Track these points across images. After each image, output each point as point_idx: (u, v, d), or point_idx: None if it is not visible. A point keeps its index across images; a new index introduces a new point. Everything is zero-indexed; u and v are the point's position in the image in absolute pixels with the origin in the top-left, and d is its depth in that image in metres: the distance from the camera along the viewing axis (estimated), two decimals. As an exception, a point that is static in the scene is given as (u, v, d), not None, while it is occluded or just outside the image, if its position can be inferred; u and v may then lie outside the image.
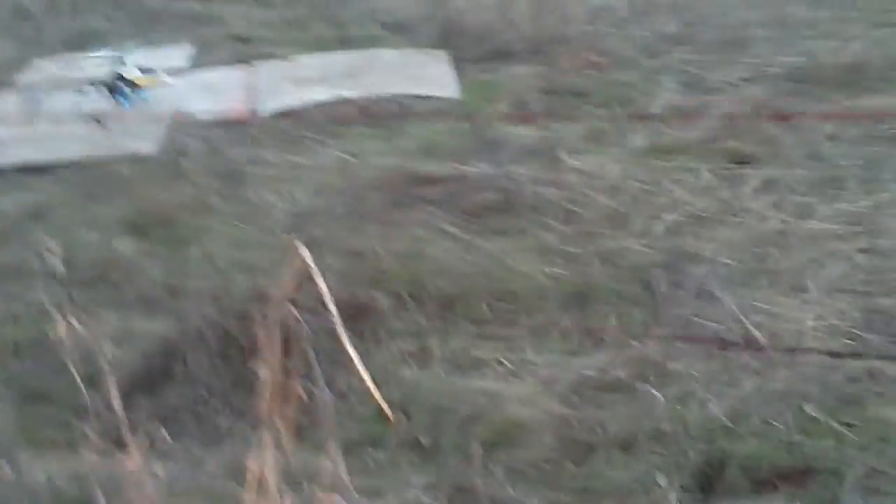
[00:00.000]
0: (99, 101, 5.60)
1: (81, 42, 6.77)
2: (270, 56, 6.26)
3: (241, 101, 5.63)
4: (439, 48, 6.19)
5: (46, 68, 6.36)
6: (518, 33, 6.05)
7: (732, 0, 6.83)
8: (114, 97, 5.63)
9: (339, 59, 6.10)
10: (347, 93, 5.52)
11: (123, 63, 5.68)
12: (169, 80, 5.77)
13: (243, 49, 6.47)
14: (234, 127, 5.29)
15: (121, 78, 5.63)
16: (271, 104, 5.52)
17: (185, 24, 6.94)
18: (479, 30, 6.19)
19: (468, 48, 6.09)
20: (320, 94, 5.56)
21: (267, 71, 6.03)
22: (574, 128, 4.99)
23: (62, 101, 5.66)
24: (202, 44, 6.58)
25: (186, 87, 5.84)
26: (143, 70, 5.70)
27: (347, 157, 4.84)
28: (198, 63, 6.32)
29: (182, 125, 5.29)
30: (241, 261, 3.88)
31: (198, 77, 6.04)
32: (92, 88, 5.66)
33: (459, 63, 5.96)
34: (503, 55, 5.95)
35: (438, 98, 5.49)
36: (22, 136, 5.42)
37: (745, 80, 5.43)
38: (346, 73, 5.85)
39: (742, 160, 4.55)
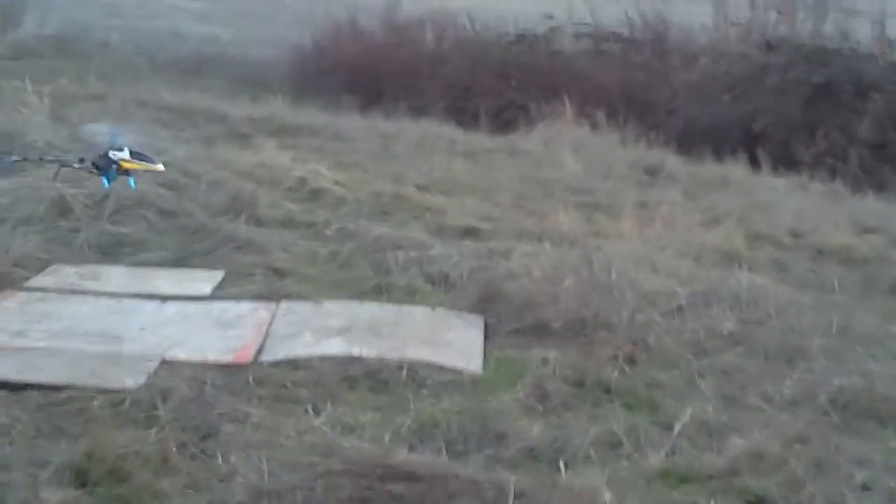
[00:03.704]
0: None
1: (116, 251, 6.54)
2: (299, 296, 5.93)
3: (250, 343, 5.25)
4: (476, 312, 5.83)
5: (65, 274, 6.08)
6: (559, 311, 5.63)
7: (805, 300, 6.40)
8: (98, 174, 5.37)
9: (366, 311, 5.75)
10: (361, 351, 5.13)
11: (119, 145, 5.44)
12: (161, 167, 5.51)
13: (275, 282, 6.16)
14: (231, 372, 4.91)
15: (108, 158, 5.37)
16: (281, 352, 5.15)
17: (223, 246, 6.67)
18: (521, 299, 5.81)
19: (505, 317, 5.72)
20: (334, 347, 5.19)
21: (289, 313, 5.67)
22: (588, 430, 4.51)
23: (65, 316, 5.40)
24: (233, 271, 6.28)
25: (200, 318, 5.53)
26: (134, 154, 5.44)
27: (336, 430, 4.41)
28: (222, 293, 6.00)
29: (174, 363, 4.93)
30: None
31: (215, 309, 5.71)
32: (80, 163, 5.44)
33: (492, 332, 5.58)
34: (539, 331, 5.55)
35: (457, 371, 5.07)
36: (8, 348, 5.07)
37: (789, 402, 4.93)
38: (370, 328, 5.48)
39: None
